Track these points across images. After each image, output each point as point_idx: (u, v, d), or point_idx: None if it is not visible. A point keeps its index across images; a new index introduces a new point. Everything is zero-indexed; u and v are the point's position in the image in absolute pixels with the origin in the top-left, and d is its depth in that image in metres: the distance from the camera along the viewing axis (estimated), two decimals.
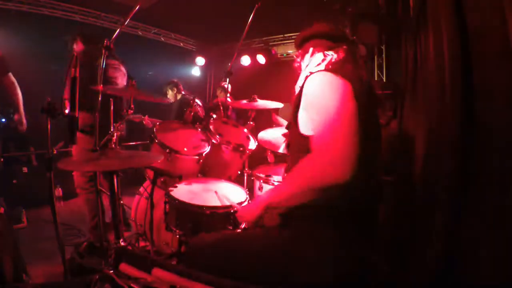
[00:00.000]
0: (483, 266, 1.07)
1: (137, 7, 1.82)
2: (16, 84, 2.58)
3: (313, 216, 1.01)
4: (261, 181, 2.12)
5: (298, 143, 1.10)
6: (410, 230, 1.51)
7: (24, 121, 2.71)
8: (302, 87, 1.10)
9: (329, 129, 0.95)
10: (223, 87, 4.28)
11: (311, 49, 1.24)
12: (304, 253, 0.99)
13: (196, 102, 3.96)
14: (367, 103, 1.05)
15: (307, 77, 1.10)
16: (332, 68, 1.11)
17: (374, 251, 1.06)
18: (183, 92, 4.28)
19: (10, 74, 2.54)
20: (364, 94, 1.03)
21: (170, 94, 4.26)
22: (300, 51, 1.32)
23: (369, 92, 1.11)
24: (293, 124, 1.13)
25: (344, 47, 1.16)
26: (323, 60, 1.15)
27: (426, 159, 1.58)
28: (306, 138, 1.03)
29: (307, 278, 0.96)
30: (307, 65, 1.25)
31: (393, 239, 1.52)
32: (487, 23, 1.16)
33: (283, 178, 1.04)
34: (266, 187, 2.09)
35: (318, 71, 1.10)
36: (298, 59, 1.33)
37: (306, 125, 1.06)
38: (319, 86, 1.05)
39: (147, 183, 2.19)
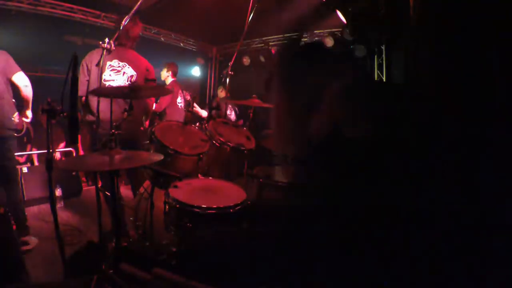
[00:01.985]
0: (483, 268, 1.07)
1: (137, 7, 1.83)
2: (25, 84, 2.50)
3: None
4: (261, 181, 2.12)
5: None
6: (409, 230, 1.51)
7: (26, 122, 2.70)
8: None
9: None
10: (224, 86, 4.27)
11: None
12: (303, 255, 0.99)
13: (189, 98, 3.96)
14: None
15: None
16: None
17: (370, 252, 1.05)
18: (173, 78, 4.24)
19: (18, 74, 2.47)
20: None
21: (164, 74, 4.24)
22: None
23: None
24: None
25: None
26: None
27: (425, 159, 1.58)
28: None
29: (303, 276, 0.96)
30: None
31: (391, 239, 1.51)
32: (489, 22, 1.16)
33: None
34: (266, 187, 2.09)
35: None
36: None
37: None
38: None
39: (147, 183, 2.19)
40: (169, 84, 4.14)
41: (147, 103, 2.72)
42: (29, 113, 2.65)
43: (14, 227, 2.45)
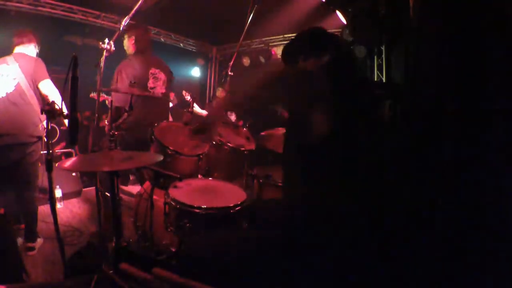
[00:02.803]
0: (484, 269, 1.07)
1: (137, 7, 1.83)
2: (46, 94, 2.49)
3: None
4: (261, 181, 2.12)
5: None
6: (408, 229, 1.51)
7: None
8: None
9: None
10: (224, 86, 4.27)
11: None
12: (303, 256, 0.99)
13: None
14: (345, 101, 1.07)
15: None
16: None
17: (369, 252, 1.05)
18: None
19: (43, 82, 2.47)
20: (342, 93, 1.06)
21: None
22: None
23: (356, 93, 1.13)
24: None
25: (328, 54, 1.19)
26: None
27: (424, 159, 1.58)
28: None
29: (304, 280, 0.96)
30: None
31: (390, 238, 1.51)
32: (489, 23, 1.16)
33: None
34: (266, 187, 2.10)
35: None
36: None
37: None
38: None
39: (147, 184, 2.20)
40: None
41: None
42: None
43: (23, 226, 2.48)
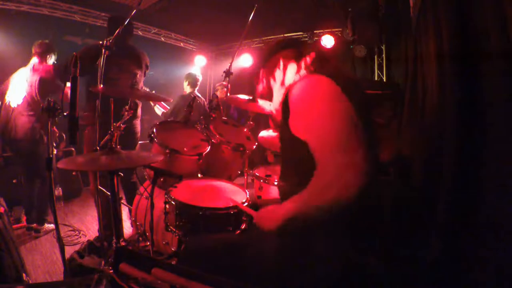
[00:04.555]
0: (483, 266, 1.07)
1: (137, 6, 1.83)
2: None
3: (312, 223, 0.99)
4: (261, 181, 2.11)
5: (292, 147, 1.08)
6: (408, 229, 1.51)
7: None
8: (285, 98, 1.07)
9: (324, 137, 0.91)
10: (223, 85, 4.25)
11: (281, 62, 1.19)
12: (303, 257, 0.98)
13: (199, 99, 3.96)
14: (360, 101, 1.03)
15: (290, 86, 1.09)
16: (315, 69, 1.10)
17: (372, 253, 1.04)
18: (190, 90, 4.21)
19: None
20: (354, 92, 1.02)
21: (185, 86, 4.21)
22: (267, 69, 1.24)
23: (359, 91, 1.10)
24: (285, 130, 1.08)
25: (312, 53, 1.15)
26: (299, 67, 1.14)
27: (425, 159, 1.58)
28: (300, 141, 0.99)
29: (303, 282, 0.96)
30: (282, 80, 1.19)
31: (391, 238, 1.51)
32: (488, 22, 1.16)
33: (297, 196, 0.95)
34: (266, 187, 2.09)
35: (304, 76, 1.10)
36: (264, 82, 1.26)
37: (299, 130, 1.02)
38: (305, 90, 1.02)
39: (147, 183, 2.19)
40: None
41: None
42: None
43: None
